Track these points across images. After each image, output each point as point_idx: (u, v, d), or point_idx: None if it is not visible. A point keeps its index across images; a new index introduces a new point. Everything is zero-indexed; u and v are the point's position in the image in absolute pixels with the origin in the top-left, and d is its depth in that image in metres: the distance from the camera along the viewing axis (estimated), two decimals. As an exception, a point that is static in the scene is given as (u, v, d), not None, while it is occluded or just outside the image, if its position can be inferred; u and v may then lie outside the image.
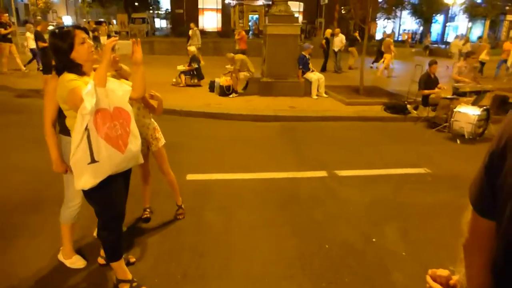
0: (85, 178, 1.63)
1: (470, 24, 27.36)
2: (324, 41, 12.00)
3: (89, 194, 1.74)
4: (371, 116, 6.55)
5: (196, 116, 6.16)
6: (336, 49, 11.83)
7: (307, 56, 7.88)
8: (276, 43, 7.64)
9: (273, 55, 7.72)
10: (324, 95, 7.80)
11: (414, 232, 2.83)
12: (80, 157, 1.61)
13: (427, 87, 6.19)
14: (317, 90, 7.75)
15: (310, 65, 7.99)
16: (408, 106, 6.66)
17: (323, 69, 11.75)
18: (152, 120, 2.67)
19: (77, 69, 1.72)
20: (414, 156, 4.66)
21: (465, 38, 13.54)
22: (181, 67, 8.53)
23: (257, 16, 31.33)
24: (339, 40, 11.74)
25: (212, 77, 8.12)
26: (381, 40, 14.20)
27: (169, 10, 32.96)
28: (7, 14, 9.63)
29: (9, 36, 9.09)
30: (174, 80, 8.62)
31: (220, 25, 30.59)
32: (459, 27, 31.95)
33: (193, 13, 28.62)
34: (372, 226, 2.90)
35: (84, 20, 26.68)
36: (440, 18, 30.04)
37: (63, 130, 1.88)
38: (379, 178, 3.87)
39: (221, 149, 4.69)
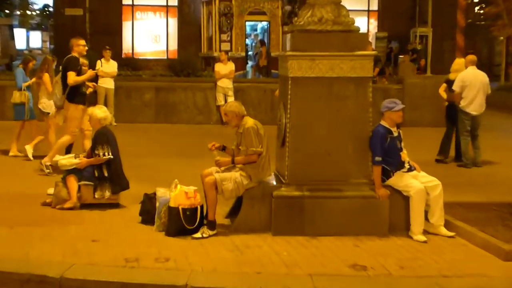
0: None
1: None
2: (444, 87, 12.61)
3: None
4: None
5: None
6: (472, 112, 12.22)
7: (394, 131, 8.02)
8: (311, 101, 7.94)
9: (306, 129, 7.93)
10: (445, 232, 7.80)
11: None
12: None
13: None
14: (426, 219, 7.80)
15: (404, 154, 8.05)
16: None
17: (447, 155, 12.20)
18: None
19: None
20: None
21: None
22: (68, 161, 8.76)
23: (265, 24, 33.05)
24: (480, 83, 12.18)
25: (150, 185, 8.40)
26: None
27: (51, 10, 36.23)
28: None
29: (84, 89, 11.53)
30: (51, 192, 8.75)
31: (175, 45, 32.50)
32: None
33: (111, 18, 30.74)
34: None
35: None
36: None
37: None
38: None
39: None
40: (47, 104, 12.83)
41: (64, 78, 11.11)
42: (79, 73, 11.01)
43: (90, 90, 12.40)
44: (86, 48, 11.74)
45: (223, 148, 8.18)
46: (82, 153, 8.90)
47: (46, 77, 12.84)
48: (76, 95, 10.99)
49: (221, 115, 14.11)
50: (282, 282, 6.39)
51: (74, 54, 11.40)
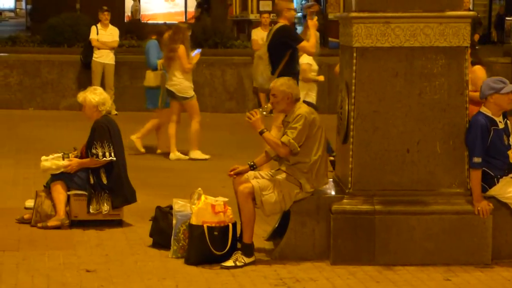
0: None
1: None
2: None
3: None
4: None
5: None
6: None
7: (500, 121, 7.56)
8: (385, 80, 7.60)
9: (377, 118, 7.63)
10: None
11: None
12: None
13: None
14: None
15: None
16: None
17: None
18: None
19: None
20: None
21: None
22: (53, 163, 8.55)
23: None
24: None
25: (165, 196, 8.49)
26: None
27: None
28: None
29: (299, 66, 12.31)
30: (30, 204, 8.72)
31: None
32: None
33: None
34: None
35: None
36: None
37: None
38: None
39: None
40: (179, 88, 13.25)
41: (276, 54, 11.39)
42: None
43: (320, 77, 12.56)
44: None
45: (252, 167, 7.79)
46: (73, 151, 8.49)
47: (182, 50, 13.14)
48: (292, 74, 10.53)
49: (259, 99, 13.90)
50: None
51: (284, 21, 11.70)
